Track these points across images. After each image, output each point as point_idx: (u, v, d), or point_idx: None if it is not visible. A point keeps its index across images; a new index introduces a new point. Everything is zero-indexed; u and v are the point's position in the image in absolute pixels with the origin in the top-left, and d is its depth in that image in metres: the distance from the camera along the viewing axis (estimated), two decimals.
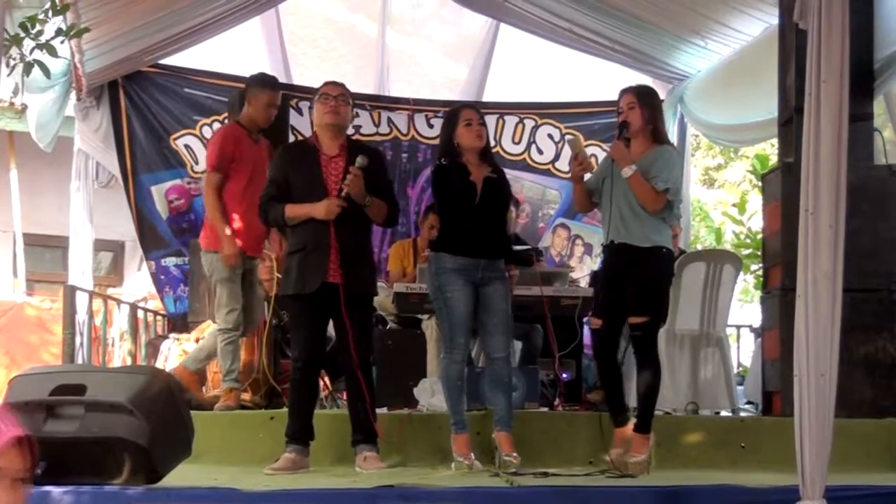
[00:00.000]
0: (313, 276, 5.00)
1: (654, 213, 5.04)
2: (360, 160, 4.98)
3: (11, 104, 5.57)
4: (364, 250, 5.17)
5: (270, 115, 6.30)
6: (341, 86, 5.25)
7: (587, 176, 5.33)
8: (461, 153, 5.16)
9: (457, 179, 5.11)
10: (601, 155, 8.39)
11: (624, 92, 5.25)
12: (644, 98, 5.20)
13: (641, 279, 5.04)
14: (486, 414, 5.45)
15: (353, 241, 5.01)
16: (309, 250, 5.03)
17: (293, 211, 5.04)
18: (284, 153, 5.30)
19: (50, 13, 4.79)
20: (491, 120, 9.11)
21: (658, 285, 5.15)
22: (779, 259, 6.07)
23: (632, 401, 6.13)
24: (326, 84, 5.26)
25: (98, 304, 7.76)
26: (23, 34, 4.56)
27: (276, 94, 6.32)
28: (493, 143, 8.82)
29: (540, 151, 9.75)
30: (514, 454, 5.02)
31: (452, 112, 5.33)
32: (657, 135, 5.17)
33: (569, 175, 5.62)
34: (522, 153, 9.80)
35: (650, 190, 5.01)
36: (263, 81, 6.39)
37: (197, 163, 9.03)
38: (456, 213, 5.13)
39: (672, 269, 5.38)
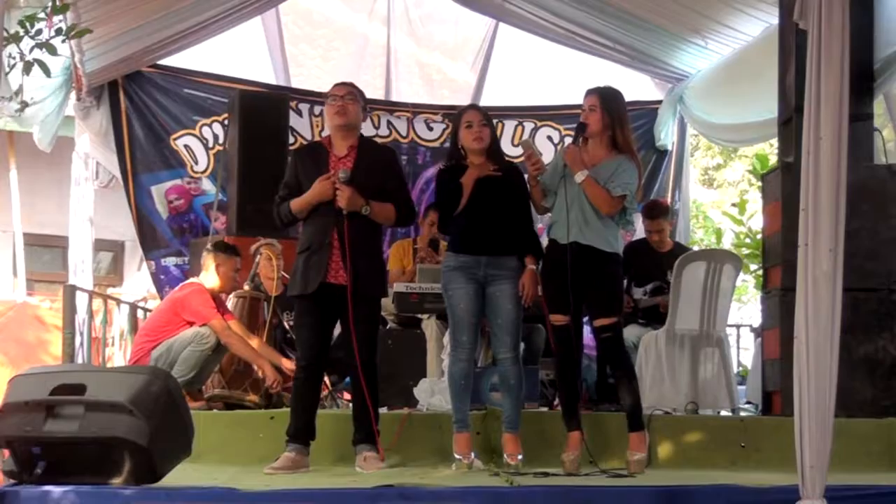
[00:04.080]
0: (314, 276, 5.00)
1: (607, 216, 5.06)
2: (341, 174, 4.98)
3: (21, 106, 5.57)
4: (369, 250, 5.12)
5: (236, 283, 6.60)
6: (350, 85, 5.24)
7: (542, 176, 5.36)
8: (465, 154, 5.21)
9: (449, 183, 5.15)
10: None
11: (588, 92, 5.22)
12: (607, 101, 5.16)
13: (607, 282, 5.10)
14: (486, 413, 5.46)
15: (357, 240, 4.98)
16: (313, 250, 5.04)
17: (296, 204, 5.06)
18: (296, 157, 5.34)
19: (50, 12, 4.78)
20: None
21: (620, 287, 5.30)
22: (779, 259, 6.07)
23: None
24: (335, 85, 5.25)
25: (98, 303, 7.75)
26: (22, 33, 4.56)
27: (239, 260, 6.58)
28: None
29: (539, 154, 9.72)
30: (517, 455, 5.03)
31: (457, 114, 5.36)
32: (618, 140, 5.14)
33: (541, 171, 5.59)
34: (521, 155, 9.79)
35: (605, 193, 5.04)
36: (228, 248, 6.65)
37: (196, 163, 9.04)
38: (447, 216, 5.18)
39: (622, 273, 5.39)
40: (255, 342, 6.36)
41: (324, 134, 8.31)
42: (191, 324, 6.27)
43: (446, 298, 5.14)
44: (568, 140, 9.84)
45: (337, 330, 5.35)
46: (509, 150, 9.71)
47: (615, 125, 5.14)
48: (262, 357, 6.26)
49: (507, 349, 5.10)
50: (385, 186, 5.11)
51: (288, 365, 6.12)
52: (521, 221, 5.22)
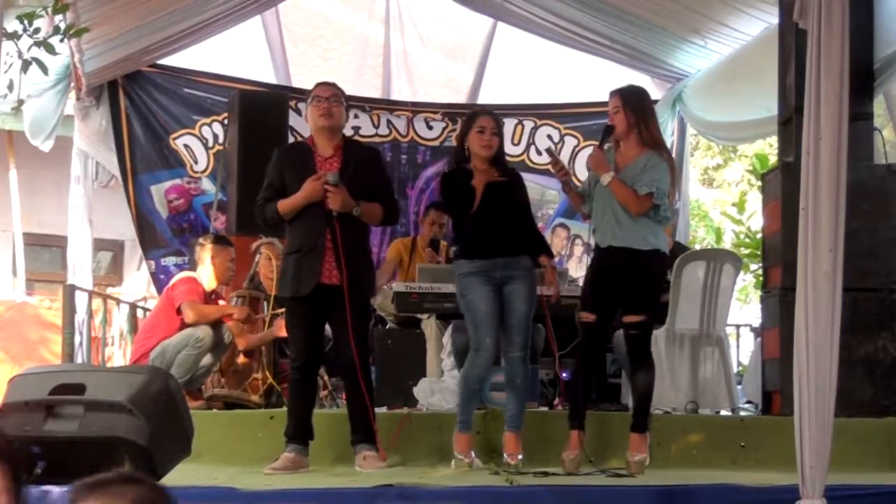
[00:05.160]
0: (308, 278, 4.99)
1: (639, 215, 5.06)
2: (330, 177, 4.96)
3: (18, 104, 5.56)
4: (360, 251, 5.13)
5: (232, 273, 6.70)
6: (333, 86, 5.22)
7: (579, 183, 5.40)
8: (471, 157, 5.18)
9: (457, 186, 5.14)
10: None
11: (611, 95, 5.25)
12: (629, 101, 5.18)
13: (640, 279, 5.07)
14: (486, 413, 5.45)
15: (348, 241, 4.98)
16: (304, 252, 5.03)
17: (285, 205, 5.04)
18: (280, 156, 5.28)
19: (49, 11, 4.77)
20: None
21: (655, 286, 5.23)
22: (778, 259, 6.07)
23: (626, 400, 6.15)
24: (318, 86, 5.23)
25: (98, 303, 7.75)
26: (20, 31, 4.55)
27: (232, 250, 6.70)
28: None
29: (539, 152, 9.75)
30: (517, 455, 5.03)
31: (470, 115, 5.34)
32: (644, 137, 5.15)
33: (581, 183, 5.65)
34: (521, 154, 9.81)
35: (631, 193, 5.04)
36: (221, 239, 6.76)
37: (196, 162, 9.05)
38: (462, 217, 5.15)
39: (666, 270, 5.39)
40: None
41: None
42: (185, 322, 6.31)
43: (464, 304, 5.10)
44: (569, 139, 9.87)
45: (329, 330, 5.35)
46: (509, 148, 9.73)
47: (640, 123, 5.15)
48: (223, 306, 6.47)
49: (517, 348, 5.10)
50: (371, 186, 5.11)
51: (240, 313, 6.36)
52: (528, 223, 5.27)
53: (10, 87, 5.04)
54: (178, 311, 6.30)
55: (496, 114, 5.45)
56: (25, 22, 4.58)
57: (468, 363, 5.13)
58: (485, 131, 5.15)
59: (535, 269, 5.20)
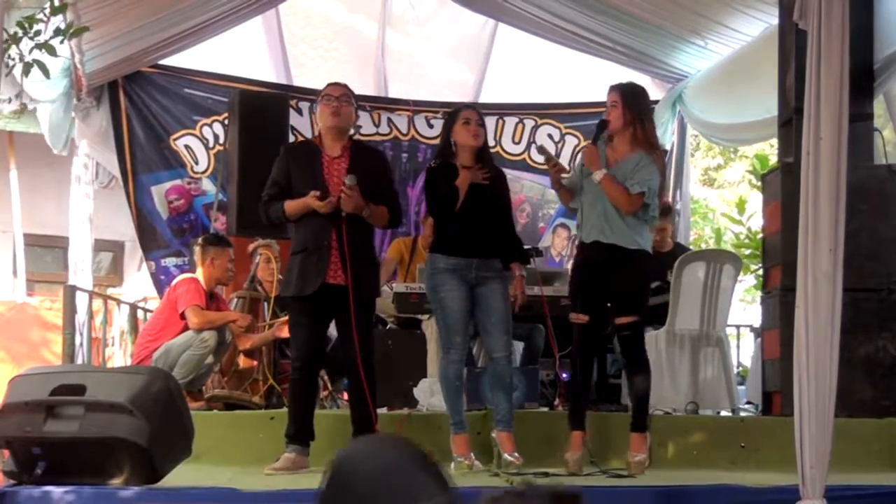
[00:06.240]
0: (313, 277, 5.00)
1: (629, 214, 5.06)
2: (348, 180, 4.96)
3: (21, 108, 5.54)
4: (366, 251, 5.15)
5: (232, 273, 6.72)
6: (343, 86, 5.25)
7: (566, 178, 5.40)
8: (457, 152, 5.17)
9: (441, 183, 5.13)
10: None
11: (610, 89, 5.24)
12: (628, 98, 5.17)
13: (629, 280, 5.09)
14: (486, 414, 5.46)
15: (355, 242, 5.00)
16: (310, 251, 5.04)
17: (292, 207, 5.05)
18: (287, 154, 5.30)
19: (48, 12, 4.77)
20: (491, 120, 9.12)
21: (644, 286, 5.25)
22: (779, 259, 6.08)
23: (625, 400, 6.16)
24: (329, 85, 5.27)
25: (98, 304, 7.75)
26: (21, 34, 4.55)
27: (231, 250, 6.71)
28: (492, 143, 8.89)
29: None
30: (516, 454, 5.03)
31: (453, 111, 5.35)
32: (637, 137, 5.14)
33: (569, 174, 5.65)
34: (522, 153, 9.80)
35: (623, 192, 5.04)
36: (220, 240, 6.77)
37: (197, 163, 9.04)
38: (443, 215, 5.16)
39: (652, 270, 5.39)
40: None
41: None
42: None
43: (437, 300, 5.11)
44: (569, 139, 9.87)
45: (331, 331, 5.35)
46: (510, 146, 9.75)
47: (635, 122, 5.15)
48: (227, 313, 6.47)
49: (502, 348, 5.11)
50: (376, 188, 5.12)
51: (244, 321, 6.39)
52: (506, 226, 5.28)
53: (19, 94, 5.04)
54: (182, 315, 6.31)
55: (479, 109, 5.46)
56: (26, 25, 4.58)
57: (442, 364, 5.15)
58: (469, 122, 5.16)
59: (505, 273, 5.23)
